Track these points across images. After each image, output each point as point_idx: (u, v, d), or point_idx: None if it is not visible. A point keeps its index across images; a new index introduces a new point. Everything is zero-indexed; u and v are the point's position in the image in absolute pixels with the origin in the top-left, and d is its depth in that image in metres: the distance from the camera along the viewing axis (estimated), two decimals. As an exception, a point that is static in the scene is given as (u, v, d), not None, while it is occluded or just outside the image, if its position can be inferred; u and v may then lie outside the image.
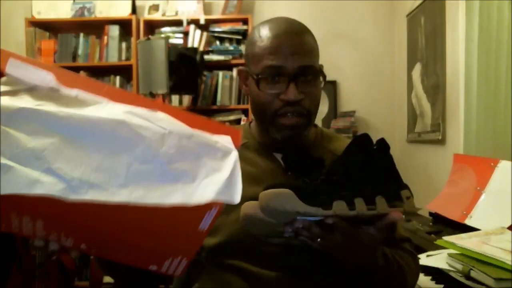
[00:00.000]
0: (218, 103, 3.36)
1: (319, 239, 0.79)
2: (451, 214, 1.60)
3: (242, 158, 1.00)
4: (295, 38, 0.91)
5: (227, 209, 0.96)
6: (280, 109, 0.92)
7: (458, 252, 1.17)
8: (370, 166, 0.80)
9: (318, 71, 0.94)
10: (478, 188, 1.57)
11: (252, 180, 0.95)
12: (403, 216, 0.81)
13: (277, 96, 0.91)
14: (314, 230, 0.77)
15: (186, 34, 3.39)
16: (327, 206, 0.75)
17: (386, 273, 0.90)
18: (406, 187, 0.83)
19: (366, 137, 0.83)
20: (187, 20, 3.37)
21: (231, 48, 3.37)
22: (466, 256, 1.14)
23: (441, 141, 2.50)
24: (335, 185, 0.77)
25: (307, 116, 0.93)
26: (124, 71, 3.47)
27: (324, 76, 0.96)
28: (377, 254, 0.87)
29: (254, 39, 0.95)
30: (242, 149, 1.01)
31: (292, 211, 0.74)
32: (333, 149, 1.03)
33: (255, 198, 0.82)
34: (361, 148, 0.82)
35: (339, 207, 0.75)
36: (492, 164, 1.57)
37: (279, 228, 0.80)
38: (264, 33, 0.93)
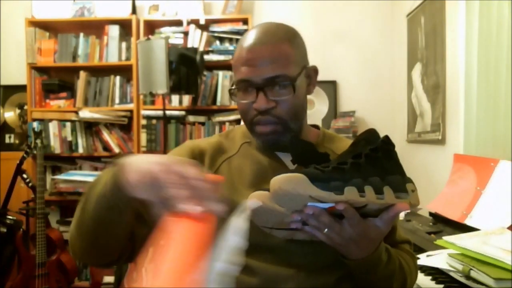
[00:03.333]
0: (218, 103, 3.37)
1: (326, 230, 0.80)
2: (451, 214, 1.60)
3: (246, 154, 1.03)
4: (263, 49, 0.93)
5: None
6: (254, 118, 0.96)
7: (458, 252, 1.18)
8: (377, 158, 0.82)
9: (291, 79, 0.94)
10: (478, 188, 1.57)
11: (255, 176, 0.99)
12: (409, 208, 0.82)
13: (251, 106, 0.96)
14: (323, 219, 0.78)
15: (186, 34, 3.39)
16: (338, 191, 0.76)
17: (388, 269, 0.91)
18: (410, 180, 0.85)
19: (373, 131, 0.86)
20: (187, 20, 3.37)
21: (231, 48, 3.37)
22: (466, 256, 1.14)
23: (441, 141, 2.50)
24: (346, 172, 0.78)
25: (281, 124, 0.96)
26: (124, 71, 3.47)
27: (296, 85, 0.94)
28: (381, 249, 0.88)
29: (236, 48, 0.99)
30: (246, 146, 1.04)
31: (304, 194, 0.74)
32: (334, 148, 1.05)
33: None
34: (368, 141, 0.84)
35: (351, 192, 0.76)
36: (492, 164, 1.57)
37: (286, 219, 0.80)
38: (241, 45, 0.97)
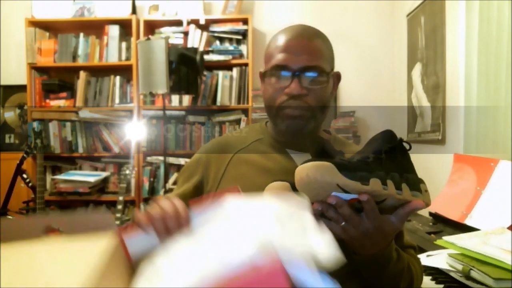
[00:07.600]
0: (218, 103, 3.36)
1: (343, 223, 0.80)
2: (451, 214, 1.60)
3: (257, 150, 1.06)
4: (303, 40, 0.99)
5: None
6: (284, 102, 1.00)
7: (458, 252, 1.17)
8: (395, 156, 0.84)
9: (325, 72, 0.99)
10: (478, 188, 1.57)
11: (265, 171, 1.02)
12: (425, 206, 0.83)
13: (282, 91, 0.99)
14: (344, 211, 0.78)
15: (186, 34, 3.39)
16: (364, 182, 0.76)
17: (398, 268, 0.92)
18: (422, 181, 0.86)
19: (390, 132, 0.88)
20: (187, 20, 3.37)
21: (231, 48, 3.37)
22: (466, 256, 1.14)
23: (441, 141, 2.50)
24: (369, 165, 0.79)
25: (310, 111, 0.99)
26: (124, 71, 3.47)
27: (328, 80, 1.00)
28: (392, 246, 0.89)
29: (270, 41, 1.04)
30: (258, 143, 1.09)
31: (332, 183, 0.74)
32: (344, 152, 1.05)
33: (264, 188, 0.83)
34: (386, 140, 0.86)
35: (376, 184, 0.76)
36: (492, 164, 1.57)
37: None
38: (278, 36, 1.02)
